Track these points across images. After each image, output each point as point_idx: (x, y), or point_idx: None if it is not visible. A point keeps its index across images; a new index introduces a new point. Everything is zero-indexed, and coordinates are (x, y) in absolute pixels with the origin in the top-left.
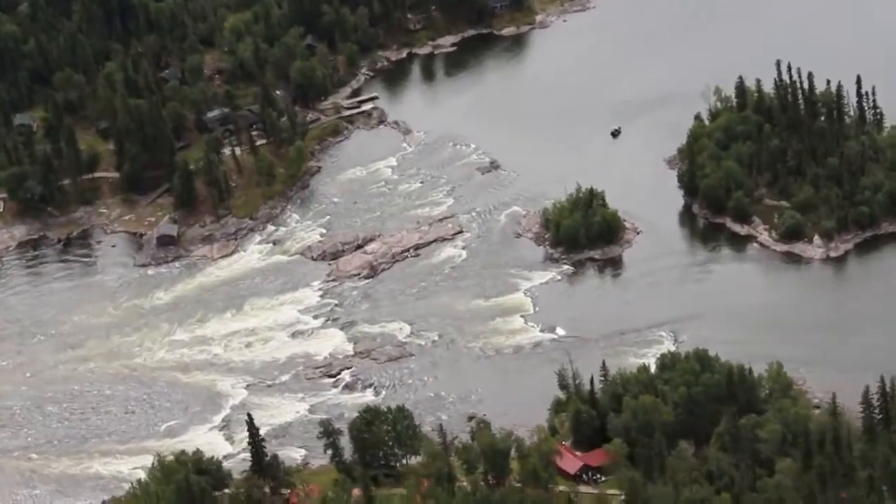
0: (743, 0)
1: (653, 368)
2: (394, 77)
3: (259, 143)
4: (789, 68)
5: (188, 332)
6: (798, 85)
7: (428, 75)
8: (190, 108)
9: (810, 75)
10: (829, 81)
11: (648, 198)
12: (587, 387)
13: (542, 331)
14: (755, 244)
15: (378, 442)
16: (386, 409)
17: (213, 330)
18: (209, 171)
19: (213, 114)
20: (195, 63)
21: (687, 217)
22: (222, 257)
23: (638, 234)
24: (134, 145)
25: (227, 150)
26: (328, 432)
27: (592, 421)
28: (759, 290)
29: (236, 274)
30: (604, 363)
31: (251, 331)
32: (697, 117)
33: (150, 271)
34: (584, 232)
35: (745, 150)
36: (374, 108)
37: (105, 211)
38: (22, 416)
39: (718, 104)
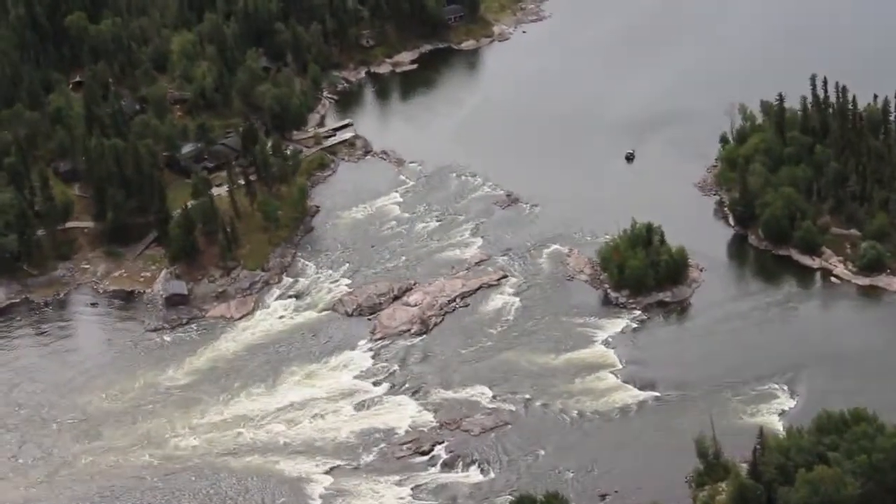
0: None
1: (780, 427)
2: (357, 100)
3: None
4: (825, 83)
5: (227, 410)
6: (837, 100)
7: (394, 96)
8: (161, 145)
9: (844, 89)
10: (875, 96)
11: (693, 229)
12: (726, 455)
13: (640, 388)
14: (831, 278)
15: None
16: (538, 499)
17: (258, 405)
18: (210, 217)
19: (187, 150)
20: (158, 93)
21: (744, 249)
22: (242, 317)
23: (701, 271)
24: (117, 191)
25: (214, 192)
26: None
27: (759, 497)
28: (854, 331)
29: (265, 336)
30: (761, 430)
31: (305, 404)
32: (724, 139)
33: (166, 337)
34: (652, 273)
35: (800, 175)
36: (355, 137)
37: (88, 267)
38: None
39: (744, 123)
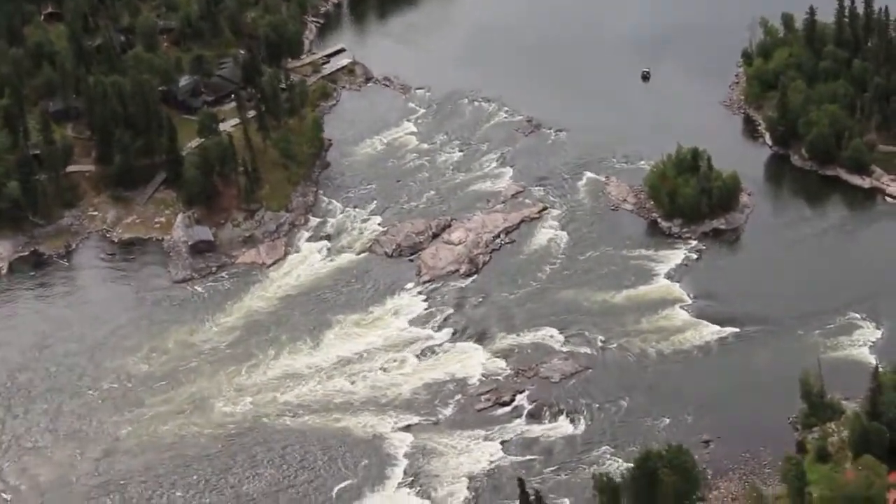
0: None
1: (873, 360)
2: (341, 23)
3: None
4: None
5: (276, 366)
6: (866, 12)
7: (381, 17)
8: (156, 79)
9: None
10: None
11: (727, 150)
12: (833, 395)
13: (717, 324)
14: (886, 198)
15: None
16: (661, 452)
17: (309, 359)
18: (228, 156)
19: (184, 84)
20: (146, 24)
21: (785, 170)
22: (274, 263)
23: (749, 195)
24: (125, 132)
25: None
26: (604, 488)
27: (883, 440)
28: None
29: (303, 283)
30: (876, 368)
31: (361, 355)
32: (746, 55)
33: (197, 287)
34: (706, 200)
35: (841, 91)
36: (353, 63)
37: (96, 214)
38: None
39: (765, 38)
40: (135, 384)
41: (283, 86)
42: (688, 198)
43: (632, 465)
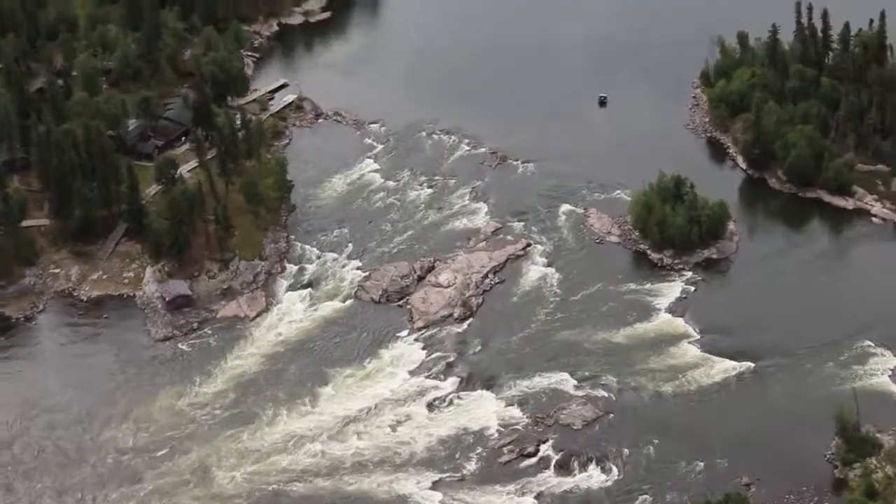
0: None
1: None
2: (277, 56)
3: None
4: (810, 8)
5: (277, 427)
6: (824, 29)
7: (316, 50)
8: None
9: (825, 14)
10: (871, 20)
11: (698, 176)
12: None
13: (731, 359)
14: (872, 219)
15: None
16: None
17: (313, 418)
18: (197, 204)
19: (132, 128)
20: (87, 65)
21: (763, 194)
22: (258, 315)
23: (734, 223)
24: (84, 182)
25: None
26: None
27: None
28: None
29: (291, 335)
30: None
31: (368, 410)
32: (705, 76)
33: (181, 346)
34: (696, 230)
35: (814, 111)
36: (300, 99)
37: (58, 271)
38: None
39: (720, 58)
40: (130, 456)
41: (240, 126)
42: (678, 228)
43: None
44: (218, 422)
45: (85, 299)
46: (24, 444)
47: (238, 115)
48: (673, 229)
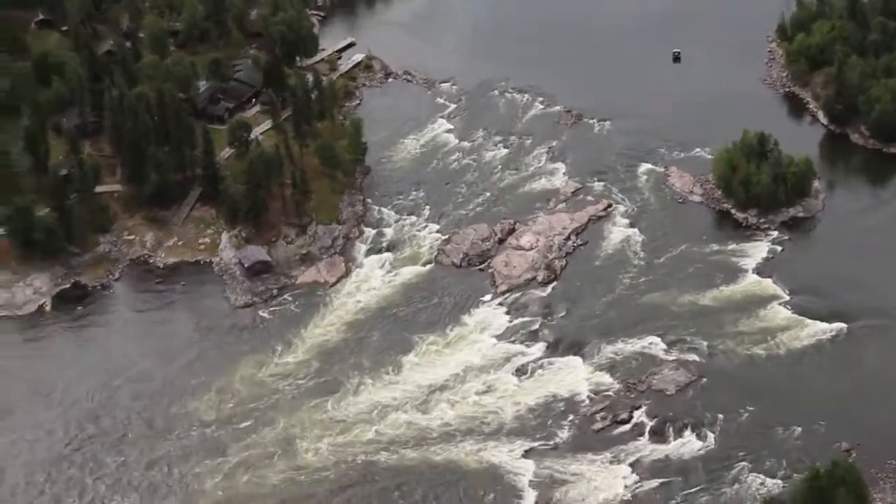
0: None
1: None
2: (340, 15)
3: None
4: None
5: (362, 396)
6: None
7: (380, 7)
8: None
9: None
10: None
11: (781, 132)
12: None
13: (824, 320)
14: None
15: None
16: (829, 471)
17: (399, 386)
18: (275, 168)
19: (202, 90)
20: (155, 27)
21: (845, 150)
22: (337, 281)
23: (819, 180)
24: (159, 148)
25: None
26: None
27: None
28: None
29: (372, 301)
30: None
31: (456, 378)
32: (782, 30)
33: (261, 313)
34: (783, 188)
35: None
36: (369, 58)
37: (133, 238)
38: None
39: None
40: (214, 428)
41: (312, 87)
42: (764, 186)
43: (789, 484)
44: (302, 392)
45: (161, 266)
46: (110, 415)
47: (309, 76)
48: (758, 188)
